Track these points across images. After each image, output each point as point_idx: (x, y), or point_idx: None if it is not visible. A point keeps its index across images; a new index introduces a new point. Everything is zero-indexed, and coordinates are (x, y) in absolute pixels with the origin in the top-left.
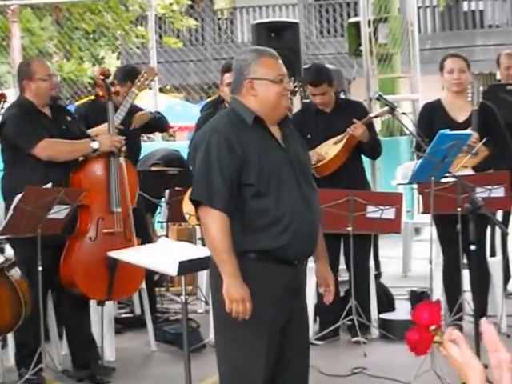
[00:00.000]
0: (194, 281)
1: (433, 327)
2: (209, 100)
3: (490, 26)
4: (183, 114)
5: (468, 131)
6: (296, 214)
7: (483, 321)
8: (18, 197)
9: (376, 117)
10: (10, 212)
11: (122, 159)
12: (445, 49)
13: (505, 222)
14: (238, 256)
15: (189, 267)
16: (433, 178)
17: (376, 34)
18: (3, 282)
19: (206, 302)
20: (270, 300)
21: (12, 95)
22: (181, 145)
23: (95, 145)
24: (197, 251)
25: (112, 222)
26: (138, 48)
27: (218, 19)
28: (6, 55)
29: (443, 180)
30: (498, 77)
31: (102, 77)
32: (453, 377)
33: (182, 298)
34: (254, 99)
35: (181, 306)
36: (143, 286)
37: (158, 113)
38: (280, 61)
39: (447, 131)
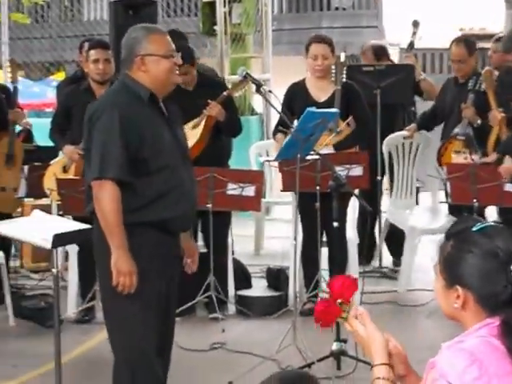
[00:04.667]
0: (49, 257)
1: (339, 301)
2: (66, 77)
3: (337, 9)
4: (24, 92)
5: (334, 110)
6: (184, 188)
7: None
8: None
9: (229, 94)
10: None
11: None
12: (291, 30)
13: None
14: (126, 227)
15: (63, 240)
16: (298, 156)
17: (230, 14)
18: None
19: (62, 278)
20: (157, 268)
21: None
22: None
23: None
24: (70, 224)
25: None
26: None
27: None
28: None
29: (308, 158)
30: (342, 59)
31: None
32: (314, 350)
33: (54, 270)
34: (144, 75)
35: (36, 282)
36: (3, 261)
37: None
38: (169, 37)
39: (314, 109)
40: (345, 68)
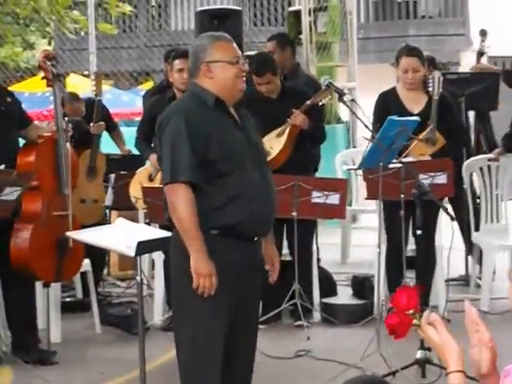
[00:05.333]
0: (135, 265)
1: (411, 311)
2: (152, 87)
3: (423, 17)
4: (113, 101)
5: (415, 118)
6: (256, 192)
7: (466, 303)
8: None
9: (313, 104)
10: None
11: (68, 144)
12: (377, 38)
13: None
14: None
15: (146, 248)
16: (381, 164)
17: (316, 23)
18: None
19: (148, 286)
20: (229, 275)
21: None
22: None
23: None
24: (154, 232)
25: (62, 205)
26: (72, 34)
27: (152, 6)
28: None
29: (390, 166)
30: None
31: (45, 60)
32: (398, 358)
33: (138, 278)
34: (211, 82)
35: (123, 290)
36: (89, 268)
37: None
38: (234, 44)
39: (395, 117)
40: (441, 79)
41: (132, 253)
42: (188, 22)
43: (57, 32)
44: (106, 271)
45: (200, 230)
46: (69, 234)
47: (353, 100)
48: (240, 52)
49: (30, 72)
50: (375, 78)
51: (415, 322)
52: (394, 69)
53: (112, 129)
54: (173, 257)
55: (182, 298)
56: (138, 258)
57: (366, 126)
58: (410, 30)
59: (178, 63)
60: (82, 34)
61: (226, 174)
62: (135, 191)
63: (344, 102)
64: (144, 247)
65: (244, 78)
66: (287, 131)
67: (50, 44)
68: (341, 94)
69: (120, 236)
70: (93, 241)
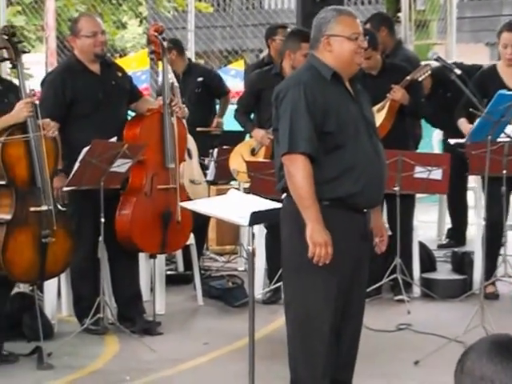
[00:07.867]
0: (236, 240)
1: None
2: (253, 64)
3: None
4: None
5: None
6: (368, 164)
7: None
8: (85, 150)
9: (413, 79)
10: (77, 164)
11: (173, 118)
12: (472, 18)
13: None
14: None
15: (259, 218)
16: (489, 138)
17: (415, 1)
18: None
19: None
20: (341, 246)
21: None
22: None
23: None
24: (265, 203)
25: (166, 178)
26: (169, 12)
27: None
28: (39, 18)
29: (498, 140)
30: None
31: (155, 33)
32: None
33: (250, 248)
34: (329, 55)
35: (222, 264)
36: (193, 242)
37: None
38: (357, 20)
39: (505, 91)
40: None
41: (245, 223)
42: (282, 1)
43: (151, 11)
44: (204, 246)
45: (316, 200)
46: (182, 204)
47: (460, 75)
48: (361, 28)
49: (117, 53)
50: (468, 57)
51: None
52: (488, 49)
53: (222, 94)
54: (284, 226)
55: (293, 265)
56: (249, 228)
57: (474, 101)
58: (504, 10)
59: (306, 46)
60: (175, 13)
61: (341, 146)
62: (235, 163)
63: (452, 77)
64: (257, 217)
65: (362, 54)
66: (387, 106)
67: (140, 24)
68: (450, 69)
69: (233, 207)
70: (206, 211)
